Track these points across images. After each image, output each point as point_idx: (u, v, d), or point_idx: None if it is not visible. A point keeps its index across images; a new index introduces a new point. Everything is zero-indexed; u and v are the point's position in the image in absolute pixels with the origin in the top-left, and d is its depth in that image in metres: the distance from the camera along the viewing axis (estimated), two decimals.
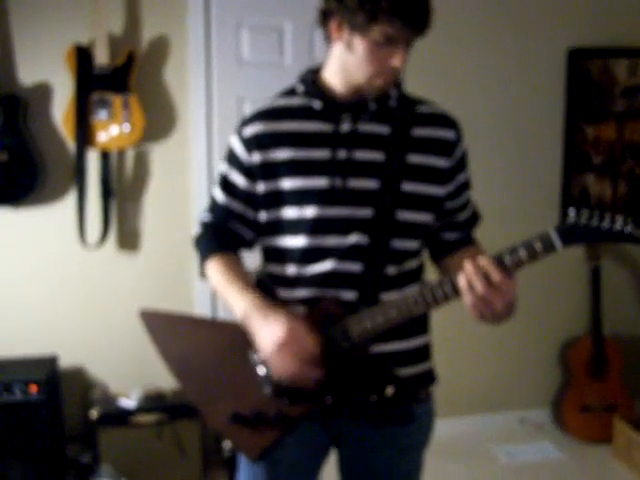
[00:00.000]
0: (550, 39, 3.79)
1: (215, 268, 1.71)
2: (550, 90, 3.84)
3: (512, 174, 3.83)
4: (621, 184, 3.94)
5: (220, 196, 1.76)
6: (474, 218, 1.83)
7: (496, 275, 1.43)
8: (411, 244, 1.68)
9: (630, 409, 3.83)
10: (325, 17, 1.60)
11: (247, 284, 1.65)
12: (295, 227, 1.65)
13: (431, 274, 1.75)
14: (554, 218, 3.92)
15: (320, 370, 1.54)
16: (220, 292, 1.69)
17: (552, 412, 4.04)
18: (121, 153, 3.40)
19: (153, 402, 3.29)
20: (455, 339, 3.75)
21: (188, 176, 3.49)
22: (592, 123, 3.87)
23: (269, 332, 1.52)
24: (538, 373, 4.05)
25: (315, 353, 1.52)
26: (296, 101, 1.69)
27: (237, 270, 1.69)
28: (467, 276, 1.45)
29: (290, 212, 1.65)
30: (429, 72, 3.57)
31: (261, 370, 1.62)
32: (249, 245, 1.79)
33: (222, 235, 1.76)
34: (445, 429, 3.20)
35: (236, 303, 1.62)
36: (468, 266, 1.45)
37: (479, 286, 1.43)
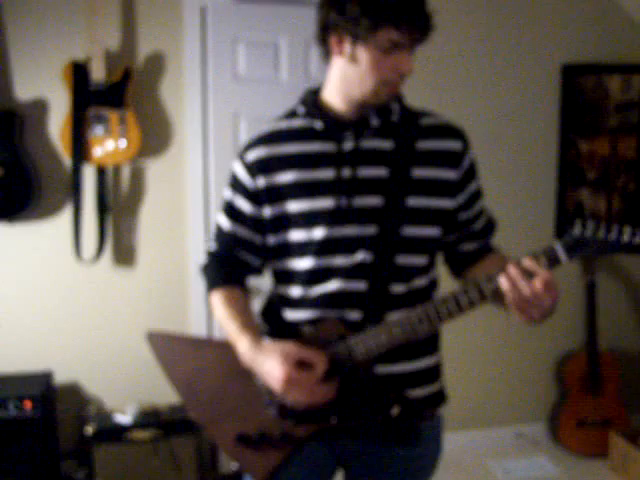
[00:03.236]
0: (545, 55, 3.82)
1: (217, 303, 1.71)
2: (545, 105, 3.87)
3: (507, 188, 3.84)
4: (615, 199, 3.96)
5: (226, 223, 1.74)
6: (490, 226, 1.79)
7: (542, 272, 1.43)
8: (418, 260, 1.66)
9: (626, 424, 3.82)
10: (325, 32, 1.59)
11: (245, 324, 1.63)
12: (303, 249, 1.64)
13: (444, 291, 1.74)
14: (549, 232, 3.93)
15: (330, 387, 1.53)
16: (223, 327, 1.69)
17: (548, 427, 4.04)
18: (117, 168, 3.41)
19: (148, 418, 3.27)
20: (451, 355, 3.74)
21: (184, 191, 3.49)
22: (586, 138, 3.89)
23: (270, 375, 1.52)
24: (534, 388, 4.05)
25: (317, 375, 1.51)
26: (297, 123, 1.68)
27: (237, 307, 1.68)
28: (512, 277, 1.44)
29: (298, 235, 1.64)
30: (424, 87, 3.59)
31: (266, 390, 1.61)
32: (257, 272, 1.78)
33: (228, 265, 1.75)
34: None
35: (237, 344, 1.61)
36: (511, 267, 1.45)
37: (526, 285, 1.42)
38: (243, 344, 1.59)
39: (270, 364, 1.52)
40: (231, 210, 1.73)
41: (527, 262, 1.45)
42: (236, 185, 1.71)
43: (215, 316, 1.72)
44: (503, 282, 1.45)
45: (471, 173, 1.71)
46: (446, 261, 1.81)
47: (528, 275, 1.44)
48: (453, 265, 1.80)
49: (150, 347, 1.76)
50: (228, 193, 1.74)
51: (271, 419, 1.61)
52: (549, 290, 1.43)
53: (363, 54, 1.54)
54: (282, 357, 1.51)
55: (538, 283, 1.42)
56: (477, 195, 1.74)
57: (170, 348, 1.77)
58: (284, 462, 1.61)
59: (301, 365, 1.52)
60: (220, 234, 1.77)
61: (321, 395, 1.52)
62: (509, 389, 4.02)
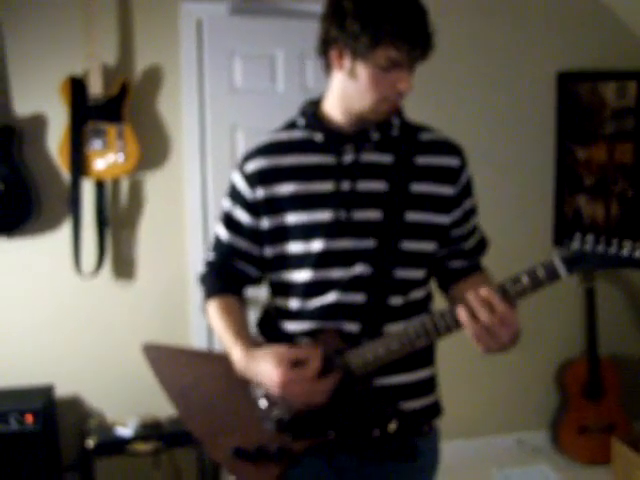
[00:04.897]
0: (540, 63, 3.84)
1: (213, 312, 1.71)
2: (541, 113, 3.88)
3: (505, 196, 3.85)
4: (613, 205, 3.97)
5: (224, 234, 1.74)
6: (481, 245, 1.79)
7: (500, 306, 1.41)
8: (416, 274, 1.66)
9: (628, 429, 3.82)
10: (325, 46, 1.58)
11: (238, 333, 1.64)
12: (301, 261, 1.63)
13: (439, 304, 1.73)
14: (548, 239, 3.94)
15: (328, 382, 1.53)
16: (218, 336, 1.70)
17: (550, 434, 4.04)
18: (116, 182, 3.42)
19: (150, 430, 3.27)
20: (452, 363, 3.74)
21: (182, 204, 3.50)
22: (583, 145, 3.90)
23: (267, 379, 1.52)
24: (535, 395, 4.05)
25: (313, 369, 1.52)
26: (297, 134, 1.68)
27: (232, 316, 1.68)
28: (470, 307, 1.42)
29: (295, 247, 1.64)
30: (420, 97, 3.60)
31: (263, 404, 1.61)
32: (255, 282, 1.78)
33: (226, 275, 1.75)
34: (443, 453, 3.18)
35: (231, 352, 1.62)
36: (470, 297, 1.43)
37: (484, 317, 1.41)
38: (236, 352, 1.60)
39: (265, 368, 1.52)
40: (230, 221, 1.73)
41: (485, 292, 1.43)
42: (235, 196, 1.71)
43: (212, 325, 1.73)
44: (461, 312, 1.43)
45: (467, 190, 1.71)
46: (434, 274, 1.80)
47: (488, 305, 1.42)
48: (440, 279, 1.80)
49: (147, 359, 1.76)
50: (227, 204, 1.74)
51: (268, 433, 1.61)
52: (505, 326, 1.42)
53: (362, 70, 1.54)
54: (276, 359, 1.52)
55: (496, 317, 1.41)
56: (471, 212, 1.74)
57: (167, 360, 1.77)
58: (280, 477, 1.61)
59: (296, 364, 1.52)
60: (218, 244, 1.77)
61: (320, 390, 1.52)
62: (510, 397, 4.01)
